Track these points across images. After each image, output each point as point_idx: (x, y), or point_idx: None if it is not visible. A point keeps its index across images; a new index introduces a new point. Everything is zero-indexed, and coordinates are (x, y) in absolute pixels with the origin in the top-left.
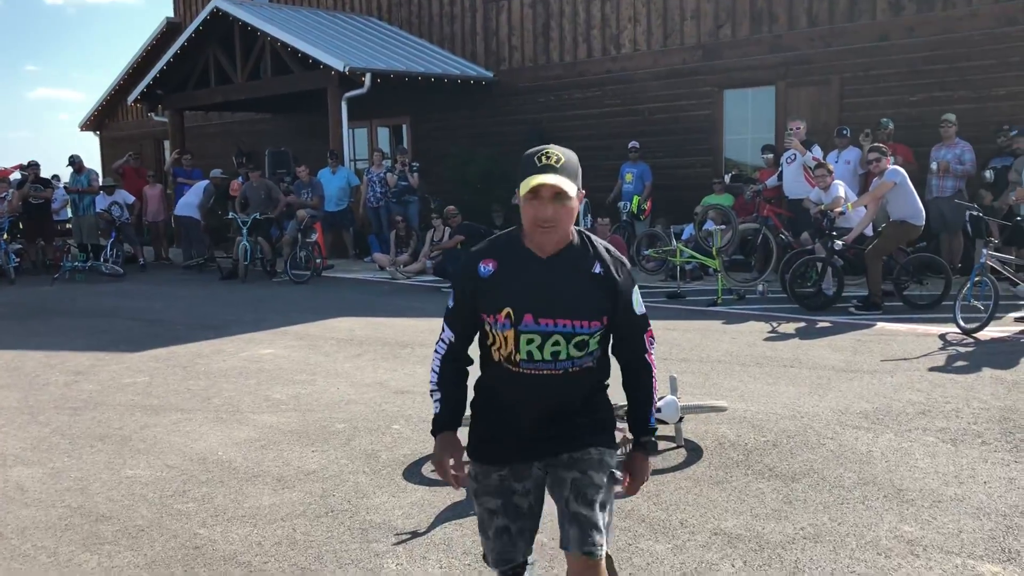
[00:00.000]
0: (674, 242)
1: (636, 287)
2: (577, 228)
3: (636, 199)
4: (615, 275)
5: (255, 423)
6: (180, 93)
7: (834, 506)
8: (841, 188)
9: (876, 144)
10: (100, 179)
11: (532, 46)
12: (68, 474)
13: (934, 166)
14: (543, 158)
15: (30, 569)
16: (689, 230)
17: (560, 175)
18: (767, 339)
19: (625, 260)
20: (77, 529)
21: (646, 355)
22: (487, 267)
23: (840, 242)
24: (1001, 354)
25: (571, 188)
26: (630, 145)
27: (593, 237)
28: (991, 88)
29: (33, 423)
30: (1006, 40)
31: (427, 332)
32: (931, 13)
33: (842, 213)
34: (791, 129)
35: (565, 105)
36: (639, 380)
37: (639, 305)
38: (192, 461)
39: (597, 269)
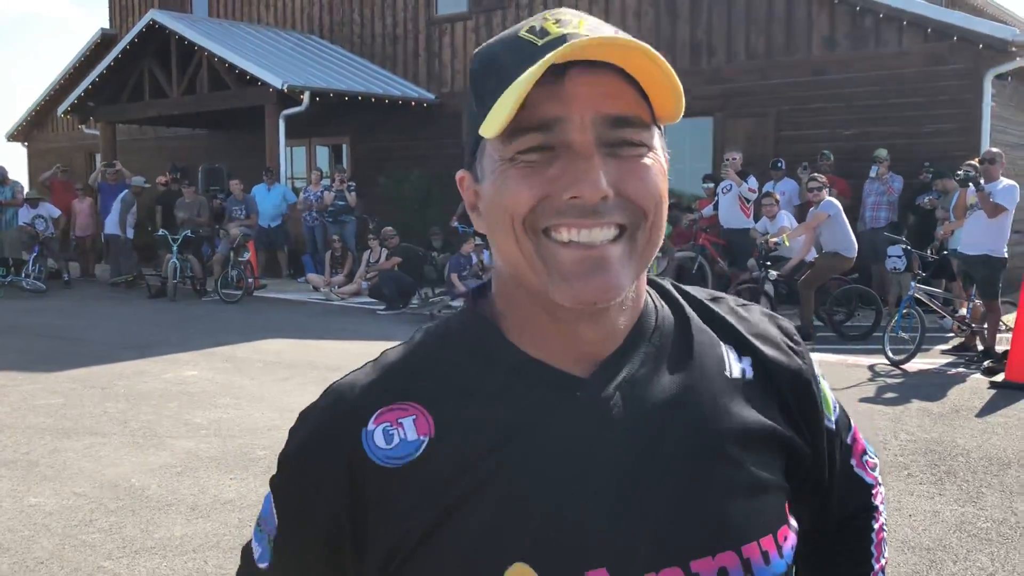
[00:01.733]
0: None
1: (823, 379)
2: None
3: None
4: (793, 377)
5: (173, 448)
6: (113, 105)
7: None
8: (786, 218)
9: (815, 175)
10: (24, 191)
11: None
12: None
13: (869, 201)
14: (547, 25)
15: None
16: None
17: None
18: None
19: (784, 322)
20: None
21: (871, 496)
22: (399, 435)
23: (775, 272)
24: (928, 386)
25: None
26: None
27: (680, 286)
28: (921, 125)
29: None
30: (934, 79)
31: (359, 356)
32: (864, 50)
33: (777, 245)
34: (727, 160)
35: None
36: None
37: (835, 410)
38: (103, 488)
39: (739, 371)
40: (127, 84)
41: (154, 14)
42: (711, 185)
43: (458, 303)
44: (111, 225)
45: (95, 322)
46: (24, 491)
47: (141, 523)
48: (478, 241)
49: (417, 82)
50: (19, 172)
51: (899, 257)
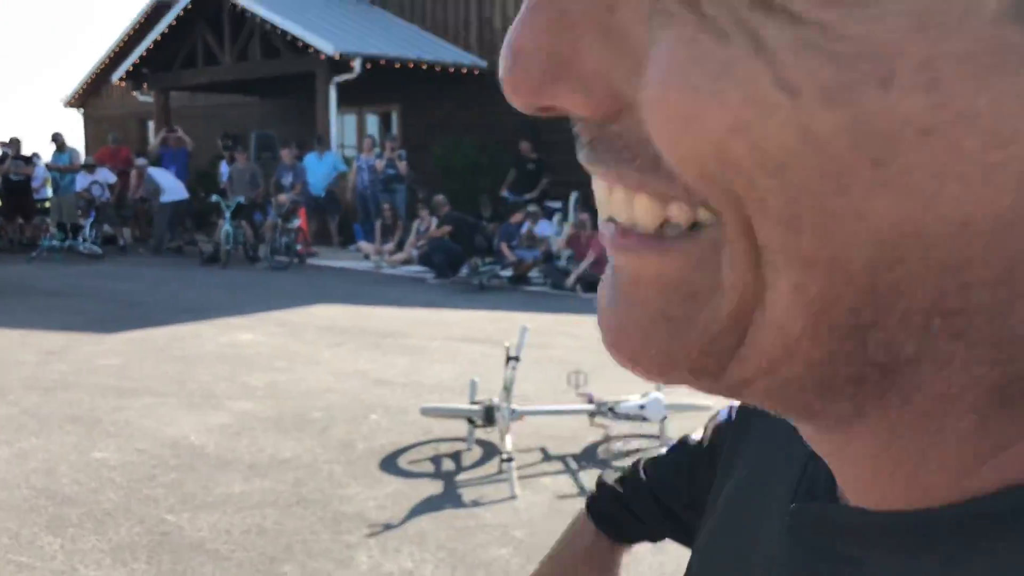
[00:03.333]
0: None
1: None
2: None
3: None
4: None
5: (230, 409)
6: (166, 73)
7: None
8: None
9: None
10: (82, 158)
11: None
12: (35, 455)
13: None
14: None
15: None
16: None
17: None
18: None
19: None
20: (41, 511)
21: None
22: None
23: None
24: None
25: None
26: None
27: None
28: None
29: (2, 402)
30: None
31: (410, 322)
32: None
33: None
34: None
35: None
36: None
37: None
38: (163, 446)
39: None
40: (180, 51)
41: None
42: None
43: (507, 273)
44: (174, 191)
45: (150, 286)
46: (89, 446)
47: (201, 480)
48: (530, 209)
49: (468, 48)
50: (76, 138)
51: None
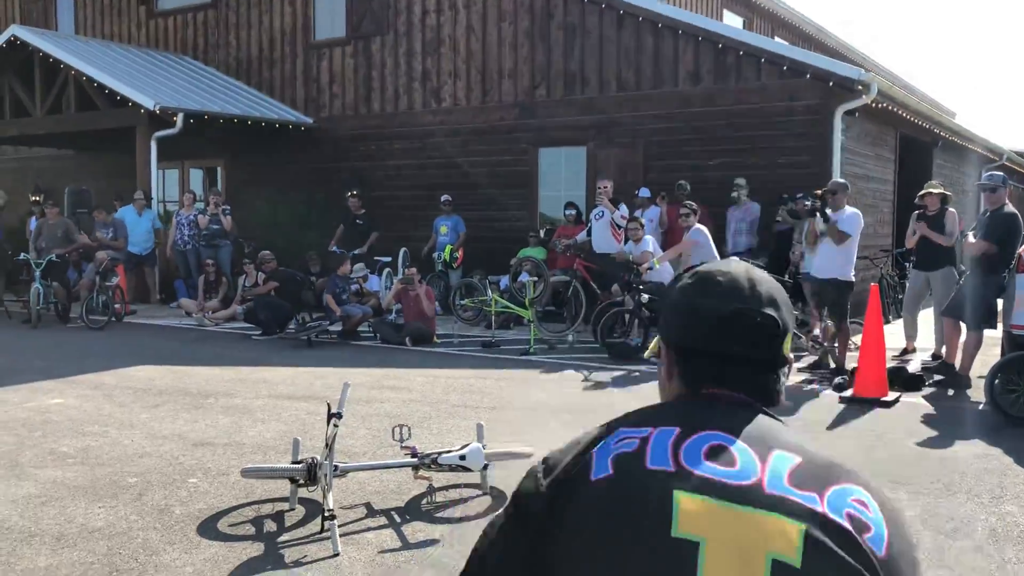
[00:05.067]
0: (489, 292)
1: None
2: None
3: (448, 248)
4: None
5: (37, 478)
6: None
7: None
8: (651, 243)
9: (687, 202)
10: None
11: (353, 95)
12: None
13: (731, 226)
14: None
15: None
16: (505, 281)
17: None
18: (576, 387)
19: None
20: None
21: None
22: None
23: (646, 296)
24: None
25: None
26: (442, 199)
27: None
28: (777, 157)
29: None
30: (789, 114)
31: (233, 381)
32: (725, 84)
33: (649, 268)
34: (600, 187)
35: (386, 155)
36: None
37: None
38: None
39: None
40: None
41: (15, 29)
42: (572, 212)
43: (336, 327)
44: None
45: None
46: None
47: (2, 555)
48: (358, 267)
49: (295, 106)
50: None
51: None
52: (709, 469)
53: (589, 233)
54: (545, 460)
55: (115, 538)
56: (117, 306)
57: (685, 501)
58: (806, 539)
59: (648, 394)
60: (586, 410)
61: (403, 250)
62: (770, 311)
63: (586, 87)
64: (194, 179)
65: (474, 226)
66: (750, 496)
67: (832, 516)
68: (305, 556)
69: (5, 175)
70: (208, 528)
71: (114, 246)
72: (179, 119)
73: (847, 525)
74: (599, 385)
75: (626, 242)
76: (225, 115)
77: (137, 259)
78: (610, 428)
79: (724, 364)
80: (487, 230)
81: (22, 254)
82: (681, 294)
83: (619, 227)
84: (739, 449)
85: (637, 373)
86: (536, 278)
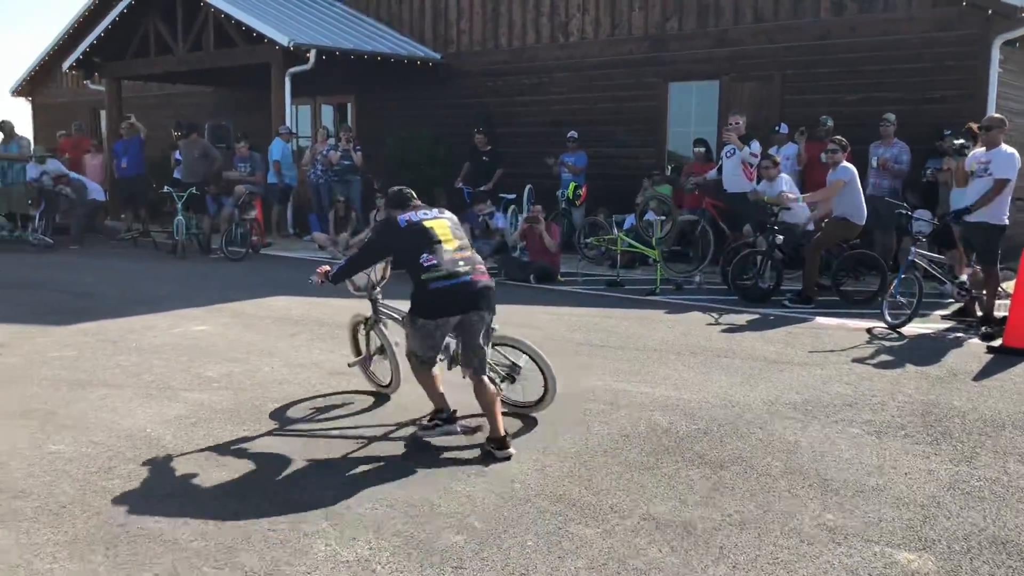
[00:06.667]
0: (615, 231)
1: None
2: None
3: (572, 185)
4: None
5: (186, 400)
6: (118, 62)
7: (760, 494)
8: (786, 182)
9: (836, 138)
10: (31, 147)
11: (481, 30)
12: None
13: (874, 162)
14: None
15: None
16: (630, 220)
17: None
18: (703, 329)
19: None
20: None
21: None
22: None
23: (781, 237)
24: (925, 350)
25: None
26: (568, 135)
27: None
28: (926, 91)
29: None
30: (940, 45)
31: (365, 312)
32: (871, 14)
33: (789, 208)
34: (731, 124)
35: (512, 90)
36: None
37: None
38: (119, 438)
39: None
40: (132, 40)
41: None
42: (702, 149)
43: None
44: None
45: (103, 277)
46: (43, 439)
47: (159, 471)
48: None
49: (423, 42)
50: (24, 127)
51: (925, 221)
52: None
53: (720, 171)
54: None
55: (260, 459)
56: (255, 238)
57: None
58: None
59: (780, 338)
60: (714, 352)
61: (528, 187)
62: None
63: (720, 18)
64: (325, 115)
65: (599, 163)
66: None
67: None
68: (440, 485)
69: (148, 111)
70: (345, 453)
71: (251, 180)
72: (312, 55)
73: None
74: (729, 328)
75: (758, 181)
76: (356, 51)
77: (286, 189)
78: None
79: None
80: (611, 167)
81: (165, 187)
82: None
83: (751, 165)
84: None
85: (772, 317)
86: (663, 217)
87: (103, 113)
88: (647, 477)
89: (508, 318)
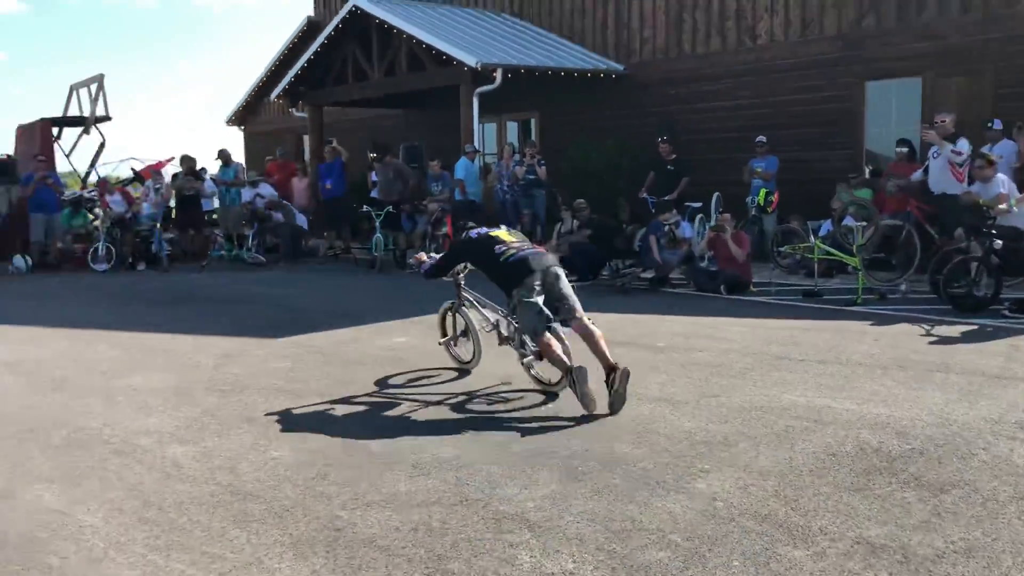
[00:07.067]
0: (811, 238)
1: None
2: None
3: (763, 192)
4: None
5: (392, 410)
6: (319, 90)
7: (988, 520)
8: (1004, 183)
9: None
10: (245, 172)
11: (664, 38)
12: (218, 453)
13: None
14: None
15: (187, 541)
16: (827, 226)
17: None
18: (912, 341)
19: None
20: (227, 506)
21: None
22: None
23: (999, 241)
24: None
25: None
26: (757, 140)
27: None
28: None
29: (186, 404)
30: None
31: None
32: None
33: (1007, 211)
34: (937, 122)
35: (696, 97)
36: None
37: None
38: (332, 445)
39: None
40: (331, 69)
41: (356, 0)
42: (905, 150)
43: (649, 274)
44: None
45: (310, 292)
46: (265, 445)
47: (369, 478)
48: (676, 213)
49: (605, 53)
50: (238, 154)
51: None
52: None
53: (926, 172)
54: None
55: (462, 469)
56: None
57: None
58: None
59: (1001, 351)
60: (926, 367)
61: (716, 195)
62: None
63: (923, 10)
64: (510, 131)
65: (790, 168)
66: None
67: None
68: (641, 500)
69: (345, 134)
70: (544, 466)
71: (440, 199)
72: (498, 74)
73: None
74: (942, 340)
75: (970, 182)
76: (540, 67)
77: (470, 205)
78: None
79: None
80: (804, 172)
81: (364, 207)
82: None
83: (959, 165)
84: None
85: (990, 328)
86: (864, 222)
87: (306, 138)
88: (858, 499)
89: (697, 330)
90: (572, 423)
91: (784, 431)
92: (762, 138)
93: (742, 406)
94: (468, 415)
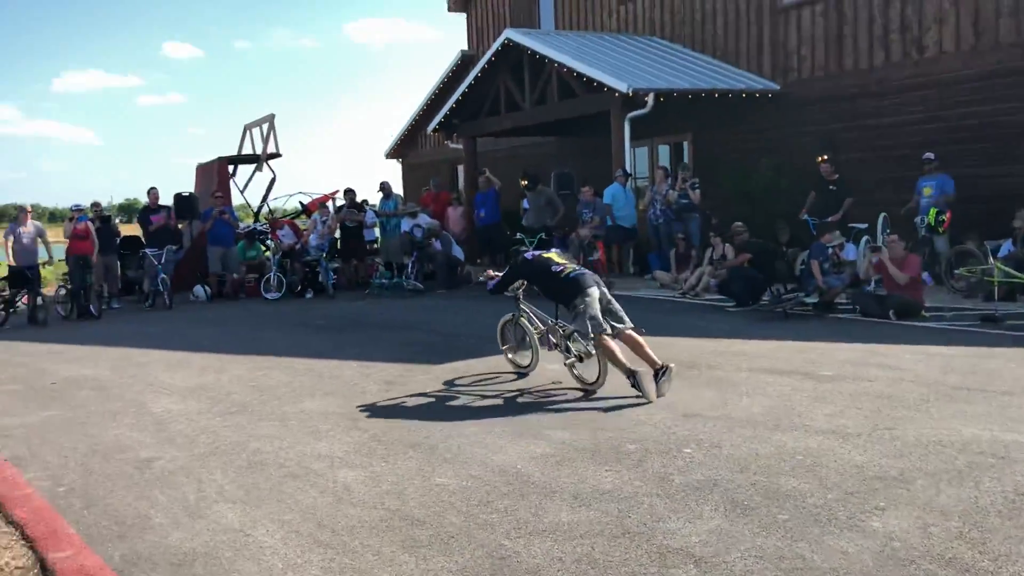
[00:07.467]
0: (990, 260)
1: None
2: None
3: (933, 211)
4: None
5: (549, 438)
6: (474, 121)
7: None
8: None
9: None
10: (405, 203)
11: (823, 55)
12: (386, 478)
13: None
14: None
15: (360, 564)
16: (1007, 246)
17: None
18: None
19: None
20: (396, 531)
21: None
22: None
23: None
24: None
25: None
26: (924, 157)
27: None
28: None
29: (354, 428)
30: None
31: (713, 353)
32: None
33: None
34: None
35: (859, 114)
36: None
37: None
38: (494, 472)
39: None
40: (485, 100)
41: (508, 33)
42: None
43: (812, 299)
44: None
45: (465, 319)
46: (430, 471)
47: (531, 507)
48: (833, 235)
49: (760, 72)
50: (396, 185)
51: None
52: None
53: None
54: None
55: (623, 501)
56: None
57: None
58: None
59: None
60: None
61: (882, 215)
62: None
63: None
64: (662, 155)
65: (964, 185)
66: None
67: None
68: (810, 538)
69: (498, 164)
70: (707, 499)
71: (590, 224)
72: (650, 99)
73: None
74: None
75: None
76: (692, 90)
77: (624, 232)
78: None
79: None
80: (980, 188)
81: (517, 234)
82: None
83: None
84: None
85: None
86: None
87: (460, 168)
88: None
89: (865, 357)
90: (733, 455)
91: (966, 467)
92: (930, 155)
93: (918, 440)
94: (628, 447)
